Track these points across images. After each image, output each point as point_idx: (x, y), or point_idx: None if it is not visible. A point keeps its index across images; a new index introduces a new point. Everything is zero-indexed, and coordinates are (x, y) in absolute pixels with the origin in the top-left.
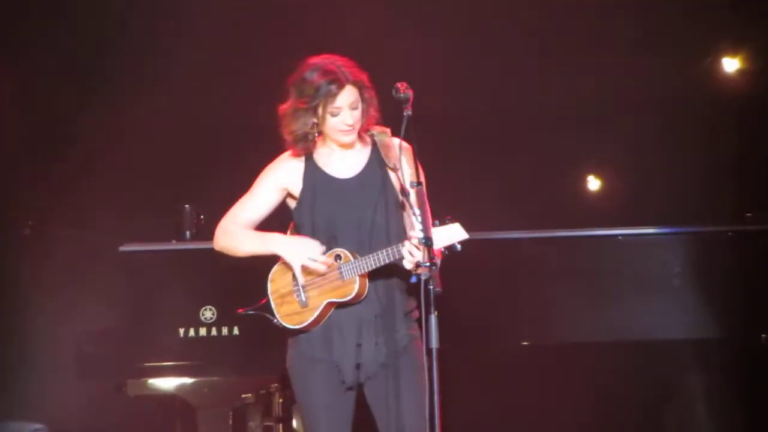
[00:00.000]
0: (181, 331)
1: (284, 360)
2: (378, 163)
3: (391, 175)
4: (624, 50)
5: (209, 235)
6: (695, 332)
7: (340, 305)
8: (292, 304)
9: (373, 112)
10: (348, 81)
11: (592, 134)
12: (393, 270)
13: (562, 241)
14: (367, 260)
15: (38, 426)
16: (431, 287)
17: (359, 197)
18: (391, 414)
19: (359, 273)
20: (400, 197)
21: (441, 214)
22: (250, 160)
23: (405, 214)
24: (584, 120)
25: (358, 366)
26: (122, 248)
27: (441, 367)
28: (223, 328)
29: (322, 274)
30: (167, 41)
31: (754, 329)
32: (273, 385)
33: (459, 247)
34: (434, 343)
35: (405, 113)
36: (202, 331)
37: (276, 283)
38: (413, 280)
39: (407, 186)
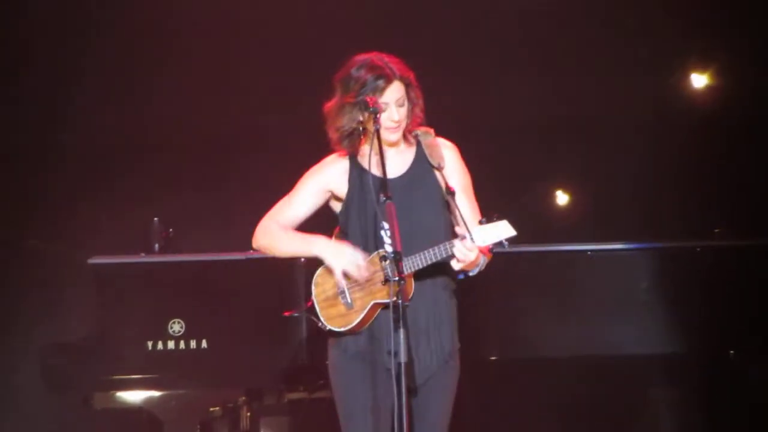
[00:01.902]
0: (149, 344)
1: (252, 373)
2: (423, 162)
3: (437, 174)
4: (594, 66)
5: (177, 248)
6: (663, 347)
7: (387, 306)
8: (337, 307)
9: (419, 112)
10: (395, 76)
11: (561, 149)
12: (440, 270)
13: (531, 256)
14: (413, 259)
15: None
16: (400, 301)
17: (406, 197)
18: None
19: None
20: (446, 196)
21: (485, 210)
22: (219, 173)
23: (451, 214)
24: (553, 134)
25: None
26: (91, 260)
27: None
28: (191, 341)
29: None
30: (141, 55)
31: (722, 345)
32: (241, 399)
33: (506, 244)
34: (403, 358)
35: (374, 127)
36: (170, 344)
37: (321, 286)
38: (461, 277)
39: (452, 185)
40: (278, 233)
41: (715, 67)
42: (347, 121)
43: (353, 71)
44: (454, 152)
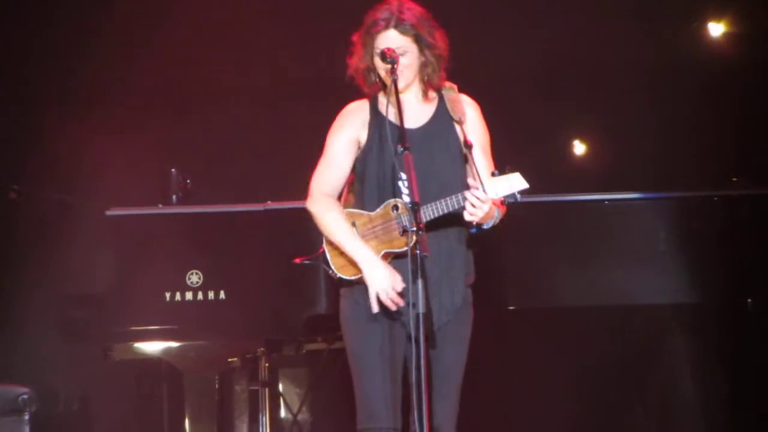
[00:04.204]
0: (167, 295)
1: (270, 324)
2: (444, 115)
3: (456, 127)
4: (610, 15)
5: (196, 199)
6: (680, 297)
7: (398, 256)
8: (348, 255)
9: (435, 68)
10: (391, 25)
11: (578, 99)
12: (455, 222)
13: (548, 206)
14: (425, 209)
15: (24, 390)
16: (418, 251)
17: (425, 147)
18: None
19: None
20: (464, 150)
21: (499, 164)
22: (236, 124)
23: (468, 168)
24: (570, 85)
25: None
26: (109, 212)
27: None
28: (209, 292)
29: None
30: (159, 3)
31: (739, 294)
32: (259, 350)
33: (519, 197)
34: (421, 308)
35: (392, 77)
36: (188, 295)
37: None
38: (474, 230)
39: (471, 140)
40: (329, 219)
41: (732, 15)
42: (358, 59)
43: (370, 11)
44: (475, 109)
